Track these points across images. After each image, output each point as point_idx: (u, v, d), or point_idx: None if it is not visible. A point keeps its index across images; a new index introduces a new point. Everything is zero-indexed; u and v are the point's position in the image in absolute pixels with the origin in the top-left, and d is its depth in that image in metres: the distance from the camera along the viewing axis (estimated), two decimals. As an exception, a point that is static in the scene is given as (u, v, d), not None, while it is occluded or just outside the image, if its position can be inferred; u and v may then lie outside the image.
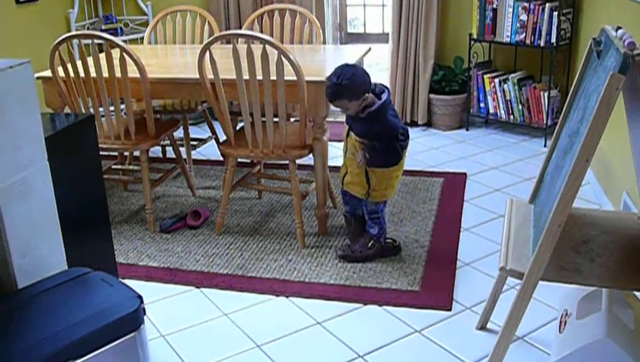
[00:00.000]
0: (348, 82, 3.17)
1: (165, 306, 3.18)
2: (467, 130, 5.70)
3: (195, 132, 5.66)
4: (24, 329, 1.60)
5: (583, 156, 1.94)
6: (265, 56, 3.33)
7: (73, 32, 3.71)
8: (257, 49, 3.36)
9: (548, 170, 2.62)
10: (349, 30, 8.24)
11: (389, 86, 5.60)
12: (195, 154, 5.09)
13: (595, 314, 2.31)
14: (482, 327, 2.95)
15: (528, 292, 2.14)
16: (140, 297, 1.72)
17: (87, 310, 1.65)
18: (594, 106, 1.93)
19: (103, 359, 1.60)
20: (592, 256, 2.28)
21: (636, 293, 2.52)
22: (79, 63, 3.68)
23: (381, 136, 3.25)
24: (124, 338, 1.63)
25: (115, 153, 4.55)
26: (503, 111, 5.50)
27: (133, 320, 1.67)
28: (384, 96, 3.27)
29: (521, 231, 2.47)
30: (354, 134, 3.32)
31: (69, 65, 3.67)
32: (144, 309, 1.72)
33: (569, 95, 2.59)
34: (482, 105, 5.62)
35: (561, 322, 2.45)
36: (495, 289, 2.86)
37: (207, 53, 3.44)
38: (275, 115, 3.56)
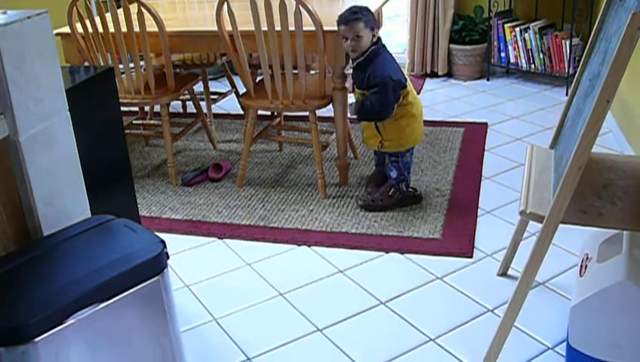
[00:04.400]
0: (366, 10, 3.30)
1: (189, 257, 3.23)
2: (488, 80, 5.66)
3: (215, 86, 5.66)
4: (50, 274, 1.64)
5: (604, 97, 1.92)
6: (283, 6, 3.31)
7: (90, -13, 3.70)
8: (275, 0, 3.34)
9: (569, 115, 2.61)
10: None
11: (408, 37, 5.59)
12: (216, 109, 5.09)
13: (616, 257, 2.30)
14: (503, 274, 2.97)
15: (549, 236, 2.14)
16: (163, 242, 1.75)
17: (111, 255, 1.67)
18: (615, 48, 1.91)
19: (128, 302, 1.64)
20: (612, 200, 2.27)
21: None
22: (97, 19, 3.68)
23: (371, 82, 3.28)
24: (147, 282, 1.66)
25: (136, 108, 4.58)
26: (523, 61, 5.45)
27: (156, 264, 1.70)
28: (375, 45, 3.33)
29: (542, 176, 2.47)
30: (356, 87, 3.38)
31: (87, 21, 3.67)
32: (167, 254, 1.74)
33: (590, 39, 2.56)
34: (503, 54, 5.57)
35: (581, 266, 2.45)
36: (516, 236, 2.87)
37: (225, 5, 3.43)
38: (295, 67, 3.55)
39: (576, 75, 2.62)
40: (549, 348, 2.51)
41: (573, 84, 2.64)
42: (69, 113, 1.95)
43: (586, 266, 2.42)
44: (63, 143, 1.92)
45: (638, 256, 2.31)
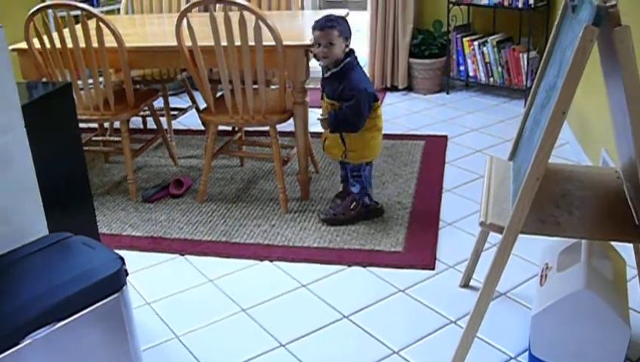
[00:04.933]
0: (342, 19, 3.33)
1: (150, 274, 3.19)
2: (447, 93, 5.71)
3: (176, 102, 5.62)
4: (5, 293, 1.60)
5: (560, 108, 1.95)
6: (242, 21, 3.31)
7: (48, 2, 3.66)
8: (235, 16, 3.34)
9: (526, 126, 2.64)
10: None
11: (369, 51, 5.62)
12: (176, 124, 5.06)
13: (575, 266, 2.34)
14: (465, 285, 2.98)
15: (509, 246, 2.16)
16: (122, 258, 1.73)
17: (69, 273, 1.65)
18: (569, 59, 1.94)
19: (87, 320, 1.61)
20: (570, 209, 2.31)
21: (614, 245, 2.55)
22: (55, 35, 3.64)
23: (346, 94, 3.27)
24: (106, 300, 1.64)
25: (96, 125, 4.54)
26: (482, 74, 5.52)
27: (115, 281, 1.67)
28: (350, 57, 3.33)
29: (501, 188, 2.49)
30: (325, 97, 3.37)
31: (44, 37, 3.63)
32: (126, 271, 1.72)
33: (546, 51, 2.60)
34: (462, 68, 5.63)
35: (542, 276, 2.48)
36: (477, 247, 2.89)
37: (185, 21, 3.42)
38: (255, 81, 3.55)
39: (533, 86, 2.66)
40: (511, 358, 2.53)
41: (530, 96, 2.68)
42: (25, 129, 1.93)
43: (546, 275, 2.45)
44: (19, 160, 1.89)
45: (596, 264, 2.34)
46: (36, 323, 1.51)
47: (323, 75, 3.40)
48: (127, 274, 1.73)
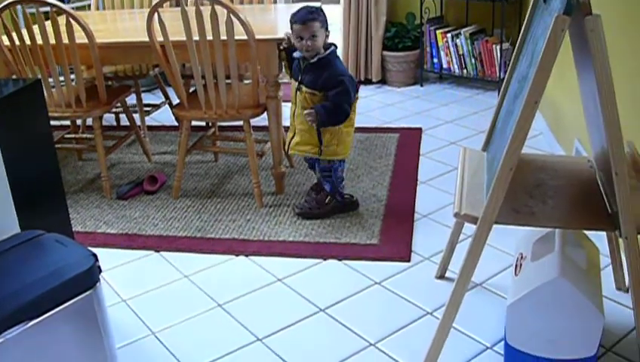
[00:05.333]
0: (320, 9, 3.31)
1: (125, 271, 3.17)
2: (421, 85, 5.73)
3: (149, 98, 5.59)
4: (-23, 292, 1.58)
5: (532, 98, 1.95)
6: (214, 16, 3.29)
7: (16, -2, 3.61)
8: (206, 10, 3.32)
9: (499, 117, 2.65)
10: (300, -9, 8.17)
11: (342, 45, 5.62)
12: (150, 121, 5.03)
13: (549, 255, 2.35)
14: (441, 276, 2.99)
15: (483, 236, 2.17)
16: (95, 255, 1.71)
17: (42, 270, 1.63)
18: (541, 50, 1.95)
19: (60, 319, 1.60)
20: (544, 199, 2.32)
21: (588, 234, 2.57)
22: (24, 31, 3.60)
23: (332, 81, 3.23)
24: (79, 297, 1.63)
25: (68, 123, 4.49)
26: (456, 66, 5.53)
27: (88, 278, 1.66)
28: (333, 46, 3.32)
29: (475, 178, 2.50)
30: (304, 87, 3.30)
31: (13, 34, 3.58)
32: (99, 267, 1.71)
33: (518, 42, 2.61)
34: (435, 60, 5.65)
35: (516, 265, 2.49)
36: (452, 238, 2.90)
37: (156, 16, 3.39)
38: (228, 76, 3.53)
39: (506, 77, 2.67)
40: (487, 348, 2.55)
41: (502, 87, 2.69)
42: (-6, 127, 1.90)
43: (520, 265, 2.46)
44: (-12, 158, 1.87)
45: (569, 253, 2.36)
46: (8, 322, 1.49)
47: (300, 65, 3.34)
48: (100, 271, 1.71)
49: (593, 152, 2.54)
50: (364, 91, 5.65)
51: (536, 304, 2.24)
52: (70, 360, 1.69)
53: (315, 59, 3.25)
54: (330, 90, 3.22)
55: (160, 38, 3.47)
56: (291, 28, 3.27)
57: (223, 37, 3.35)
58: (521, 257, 2.49)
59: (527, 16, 2.55)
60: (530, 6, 2.52)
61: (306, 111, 3.27)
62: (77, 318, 1.65)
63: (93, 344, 1.73)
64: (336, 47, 3.34)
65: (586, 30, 1.88)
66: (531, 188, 2.40)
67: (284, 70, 3.54)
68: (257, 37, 3.41)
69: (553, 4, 2.07)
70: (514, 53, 2.63)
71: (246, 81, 4.48)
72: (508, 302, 2.31)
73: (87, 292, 1.65)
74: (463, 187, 2.44)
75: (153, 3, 3.41)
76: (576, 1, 1.89)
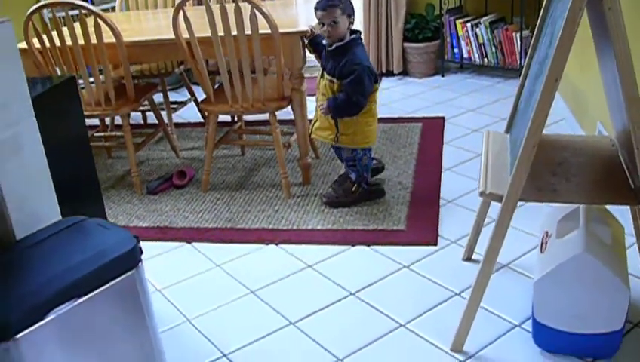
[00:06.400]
0: None
1: (159, 262, 3.26)
2: (443, 75, 5.77)
3: (175, 96, 5.69)
4: (26, 274, 1.67)
5: (553, 76, 2.01)
6: (238, 11, 3.37)
7: (45, 1, 3.71)
8: (230, 6, 3.39)
9: (521, 99, 2.70)
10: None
11: (363, 37, 5.66)
12: (176, 118, 5.12)
13: (574, 232, 2.39)
14: (468, 258, 3.04)
15: (508, 213, 2.22)
16: (137, 237, 1.79)
17: (86, 252, 1.71)
18: (560, 29, 2.00)
19: (105, 297, 1.68)
20: (567, 176, 2.37)
21: (611, 211, 2.62)
22: (54, 33, 3.70)
23: (347, 69, 3.28)
24: (123, 276, 1.71)
25: (97, 122, 4.59)
26: (476, 55, 5.57)
27: (130, 258, 1.74)
28: (356, 34, 3.37)
29: (499, 159, 2.55)
30: (326, 73, 3.38)
31: (44, 36, 3.68)
32: (141, 249, 1.79)
33: (537, 25, 2.66)
34: (456, 50, 5.68)
35: (542, 243, 2.54)
36: (478, 221, 2.95)
37: (181, 13, 3.47)
38: (253, 70, 3.61)
39: (526, 60, 2.72)
40: (516, 326, 2.60)
41: (523, 69, 2.74)
42: (35, 119, 1.99)
43: (546, 243, 2.51)
44: (30, 149, 1.95)
45: (594, 229, 2.40)
46: (57, 300, 1.58)
47: (325, 48, 3.41)
48: (141, 253, 1.79)
49: (615, 131, 2.58)
50: (385, 83, 5.71)
51: (562, 280, 2.29)
52: (116, 337, 1.77)
53: (334, 46, 3.31)
54: (346, 78, 3.28)
55: (185, 35, 3.55)
56: (315, 14, 3.33)
57: (247, 31, 3.42)
58: (547, 235, 2.54)
59: (545, 1, 2.60)
60: (549, -11, 2.56)
61: (319, 106, 3.38)
62: (121, 296, 1.73)
63: (137, 321, 1.81)
64: (360, 34, 3.39)
65: (604, 8, 1.93)
66: (554, 166, 2.45)
67: (308, 62, 3.60)
68: (281, 30, 3.48)
69: (571, -16, 2.11)
70: (534, 36, 2.68)
71: (271, 75, 4.55)
72: (534, 278, 2.36)
73: (130, 272, 1.73)
74: (488, 167, 2.50)
75: (177, 2, 3.49)
76: (594, -20, 1.94)
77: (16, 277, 1.66)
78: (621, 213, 2.68)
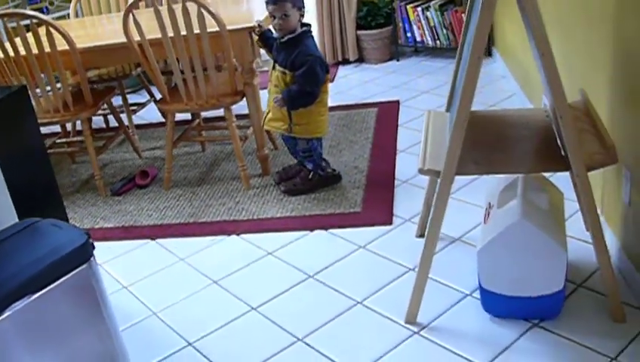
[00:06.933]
0: None
1: (124, 261, 3.35)
2: (398, 60, 5.89)
3: (135, 98, 5.74)
4: (-17, 274, 1.76)
5: (475, 54, 2.12)
6: (186, 11, 3.45)
7: (-3, 13, 3.78)
8: (178, 7, 3.48)
9: (458, 78, 2.81)
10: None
11: (317, 28, 5.77)
12: (137, 119, 5.20)
13: (513, 201, 2.52)
14: (421, 235, 3.15)
15: (446, 187, 2.34)
16: (88, 233, 1.89)
17: (40, 250, 1.81)
18: (479, 7, 2.11)
19: (60, 292, 1.77)
20: (503, 148, 2.49)
21: (548, 178, 2.74)
22: (7, 44, 3.76)
23: (299, 60, 3.38)
24: (76, 271, 1.80)
25: (59, 129, 4.65)
26: (429, 38, 5.69)
27: (82, 253, 1.84)
28: (307, 27, 3.47)
29: (439, 137, 2.67)
30: (277, 66, 3.48)
31: (-3, 47, 3.75)
32: (92, 244, 1.88)
33: (468, 5, 2.77)
34: (409, 34, 5.80)
35: (485, 215, 2.66)
36: (427, 198, 3.06)
37: (131, 17, 3.55)
38: (206, 68, 3.70)
39: (460, 39, 2.83)
40: (467, 295, 2.72)
41: (458, 49, 2.85)
42: (-17, 129, 2.07)
43: (489, 214, 2.63)
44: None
45: (531, 197, 2.53)
46: (12, 297, 1.67)
47: (277, 41, 3.50)
48: (93, 248, 1.88)
49: (548, 103, 2.70)
50: (342, 71, 5.82)
51: (503, 246, 2.41)
52: (74, 330, 1.86)
53: (285, 38, 3.41)
54: (298, 69, 3.38)
55: (137, 38, 3.63)
56: (267, 8, 3.43)
57: (196, 31, 3.51)
58: (489, 206, 2.66)
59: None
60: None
61: (274, 99, 3.47)
62: (75, 291, 1.82)
63: (94, 315, 1.90)
64: (310, 27, 3.50)
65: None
66: (491, 139, 2.57)
67: (265, 57, 3.68)
68: (228, 27, 3.57)
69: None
70: (465, 17, 2.79)
71: (225, 71, 4.64)
72: (477, 247, 2.48)
73: (82, 267, 1.82)
74: (427, 145, 2.61)
75: (127, 5, 3.57)
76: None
77: (-28, 278, 1.75)
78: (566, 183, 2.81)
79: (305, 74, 3.38)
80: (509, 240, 2.40)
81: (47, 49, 3.71)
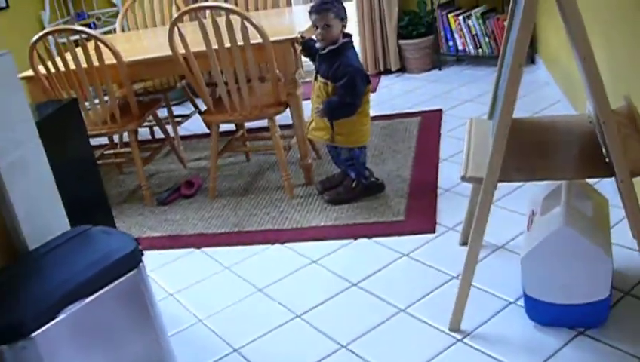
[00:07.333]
0: (337, 1, 3.47)
1: (170, 269, 3.41)
2: (440, 69, 5.89)
3: (180, 110, 5.83)
4: (39, 279, 1.84)
5: (516, 61, 2.13)
6: (229, 24, 3.52)
7: (48, 29, 3.89)
8: (222, 20, 3.55)
9: (500, 85, 2.82)
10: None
11: (359, 39, 5.81)
12: (182, 131, 5.28)
13: (556, 208, 2.52)
14: (464, 243, 3.15)
15: (489, 194, 2.35)
16: (136, 240, 1.95)
17: (91, 256, 1.87)
18: (520, 13, 2.12)
19: (110, 296, 1.83)
20: (546, 155, 2.49)
21: (593, 185, 2.73)
22: (58, 59, 3.86)
23: (340, 72, 3.42)
24: (126, 276, 1.86)
25: (106, 141, 4.75)
26: (471, 47, 5.69)
27: (131, 259, 1.90)
28: (348, 38, 3.51)
29: (481, 144, 2.67)
30: (320, 76, 3.53)
31: (48, 63, 3.84)
32: (141, 251, 1.94)
33: (509, 12, 2.78)
34: (451, 43, 5.80)
35: (528, 222, 2.66)
36: (471, 206, 3.07)
37: (176, 30, 3.63)
38: (249, 79, 3.76)
39: (502, 46, 2.84)
40: (511, 303, 2.71)
41: (499, 56, 2.86)
42: (39, 140, 2.14)
43: (532, 221, 2.63)
44: (37, 167, 2.11)
45: (575, 203, 2.52)
46: (67, 300, 1.74)
47: (319, 52, 3.55)
48: (142, 254, 1.94)
49: (592, 109, 2.69)
50: (384, 80, 5.85)
51: (546, 254, 2.41)
52: (124, 333, 1.92)
53: (327, 50, 3.46)
54: (339, 81, 3.42)
55: (182, 51, 3.71)
56: (310, 17, 3.49)
57: (240, 43, 3.57)
58: (532, 214, 2.66)
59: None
60: (516, -21, 2.69)
61: (315, 109, 3.53)
62: (125, 296, 1.88)
63: (142, 319, 1.96)
64: (351, 37, 3.54)
65: (557, -7, 2.05)
66: (534, 146, 2.57)
67: (308, 67, 3.73)
68: (272, 39, 3.63)
69: (530, -26, 2.24)
70: (507, 23, 2.80)
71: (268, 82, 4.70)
72: (521, 255, 2.48)
73: (132, 272, 1.88)
74: (470, 153, 2.63)
75: (173, 18, 3.65)
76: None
77: (29, 282, 1.82)
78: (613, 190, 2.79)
79: (345, 85, 3.42)
80: (553, 247, 2.40)
81: (96, 63, 3.80)
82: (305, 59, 3.88)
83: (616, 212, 2.92)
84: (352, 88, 3.42)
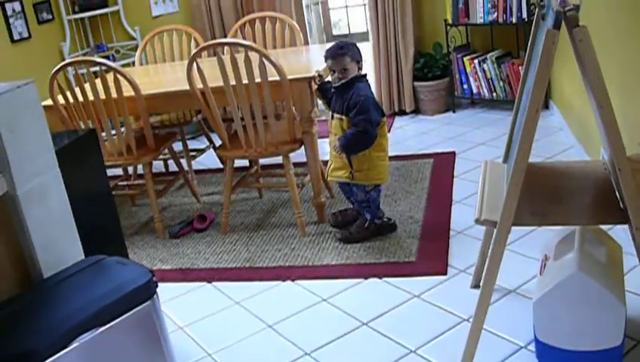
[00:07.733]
0: (352, 44, 3.53)
1: (181, 302, 3.41)
2: (454, 112, 5.92)
3: (194, 144, 5.89)
4: (53, 307, 1.85)
5: (533, 107, 2.15)
6: (248, 60, 3.56)
7: (68, 60, 3.94)
8: (241, 57, 3.59)
9: (515, 130, 2.84)
10: (335, 32, 8.51)
11: (374, 79, 5.86)
12: (196, 165, 5.32)
13: (570, 253, 2.51)
14: (476, 286, 3.15)
15: (502, 238, 2.35)
16: (152, 271, 1.96)
17: (105, 286, 1.88)
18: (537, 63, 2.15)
19: (124, 326, 1.84)
20: (560, 200, 2.49)
21: (607, 231, 2.73)
22: (77, 90, 3.91)
23: (353, 102, 3.44)
24: (139, 307, 1.87)
25: (120, 172, 4.79)
26: (485, 90, 5.72)
27: (146, 290, 1.91)
28: (359, 73, 3.55)
29: (496, 187, 2.68)
30: (335, 114, 3.56)
31: (67, 93, 3.90)
32: (156, 282, 1.95)
33: (525, 60, 2.81)
34: (465, 86, 5.84)
35: (541, 266, 2.66)
36: (483, 249, 3.07)
37: (195, 65, 3.67)
38: (265, 116, 3.79)
39: (518, 91, 2.87)
40: (521, 347, 2.70)
41: (515, 101, 2.88)
42: (58, 170, 2.17)
43: (545, 265, 2.63)
44: (55, 196, 2.13)
45: (589, 249, 2.52)
46: (80, 329, 1.74)
47: (333, 90, 3.60)
48: (156, 286, 1.95)
49: (607, 156, 2.70)
50: (398, 122, 5.88)
51: (559, 299, 2.41)
52: (136, 363, 1.93)
53: (339, 83, 3.49)
54: (352, 110, 3.45)
55: (200, 85, 3.75)
56: (326, 62, 3.52)
57: (258, 79, 3.61)
58: (545, 258, 2.66)
59: (531, 35, 2.75)
60: (533, 25, 2.72)
61: (334, 147, 3.54)
62: (138, 326, 1.89)
63: (155, 350, 1.96)
64: (366, 76, 3.57)
65: (575, 41, 2.08)
66: (548, 191, 2.58)
67: (322, 106, 3.77)
68: (289, 77, 3.66)
69: (548, 20, 2.27)
70: (523, 70, 2.83)
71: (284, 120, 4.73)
72: (533, 299, 2.48)
73: (146, 303, 1.89)
74: (484, 196, 2.63)
75: (191, 53, 3.70)
76: (564, 15, 2.09)
77: (43, 310, 1.83)
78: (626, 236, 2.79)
79: (358, 113, 3.44)
80: (566, 292, 2.39)
81: (114, 95, 3.85)
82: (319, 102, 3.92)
83: (629, 259, 2.91)
84: (366, 114, 3.43)
